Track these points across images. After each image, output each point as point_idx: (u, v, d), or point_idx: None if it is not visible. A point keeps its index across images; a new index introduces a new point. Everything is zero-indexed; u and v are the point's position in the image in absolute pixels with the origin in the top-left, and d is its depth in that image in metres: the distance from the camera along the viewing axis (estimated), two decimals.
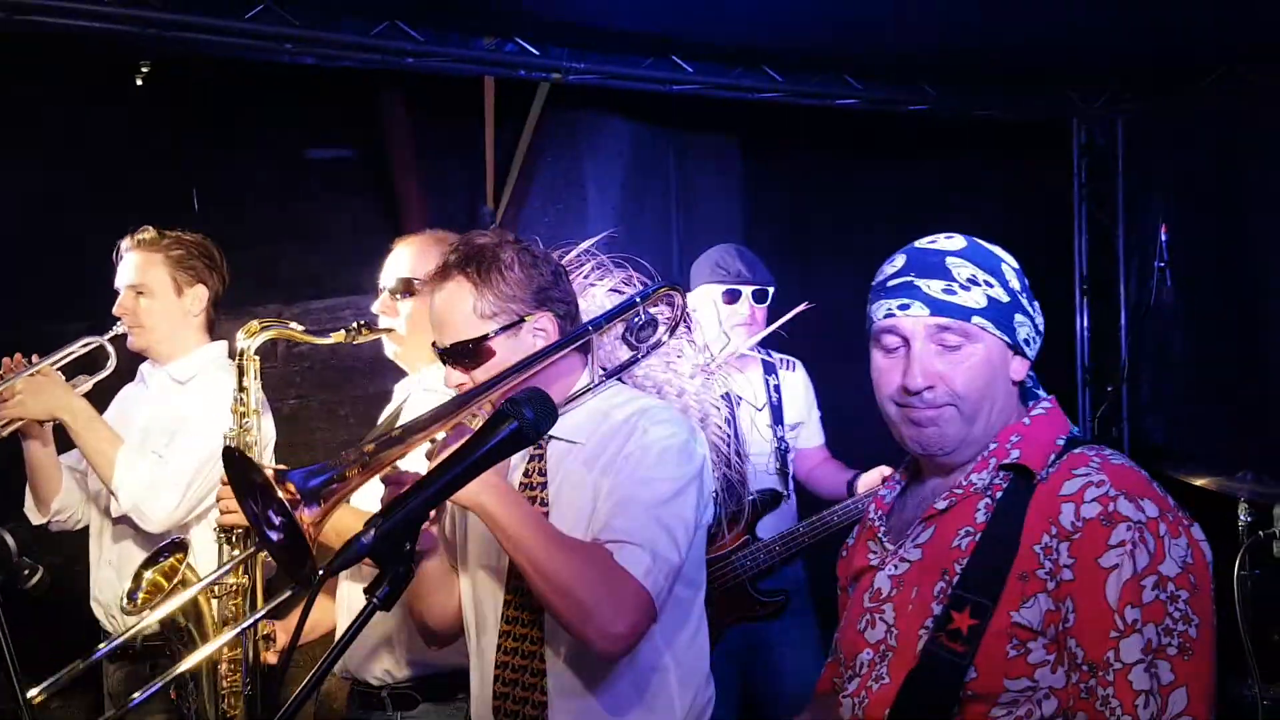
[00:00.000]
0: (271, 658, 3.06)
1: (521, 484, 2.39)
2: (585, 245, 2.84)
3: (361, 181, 5.52)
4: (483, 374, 2.30)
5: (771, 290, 4.11)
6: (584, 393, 2.37)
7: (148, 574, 2.96)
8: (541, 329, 2.35)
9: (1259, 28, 4.80)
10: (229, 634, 2.88)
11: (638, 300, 2.51)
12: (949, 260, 1.91)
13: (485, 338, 2.31)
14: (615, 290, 2.74)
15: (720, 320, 4.05)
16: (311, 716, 3.32)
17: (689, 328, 2.81)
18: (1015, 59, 5.30)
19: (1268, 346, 5.33)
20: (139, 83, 4.85)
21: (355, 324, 3.07)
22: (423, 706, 2.97)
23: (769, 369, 4.14)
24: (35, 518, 3.55)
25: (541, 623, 2.31)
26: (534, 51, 4.87)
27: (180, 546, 3.03)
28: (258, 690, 3.03)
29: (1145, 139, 5.94)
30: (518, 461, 2.40)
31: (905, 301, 1.90)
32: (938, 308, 1.88)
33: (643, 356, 2.54)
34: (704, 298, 4.10)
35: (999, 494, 1.86)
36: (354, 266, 3.32)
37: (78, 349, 3.48)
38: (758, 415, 4.06)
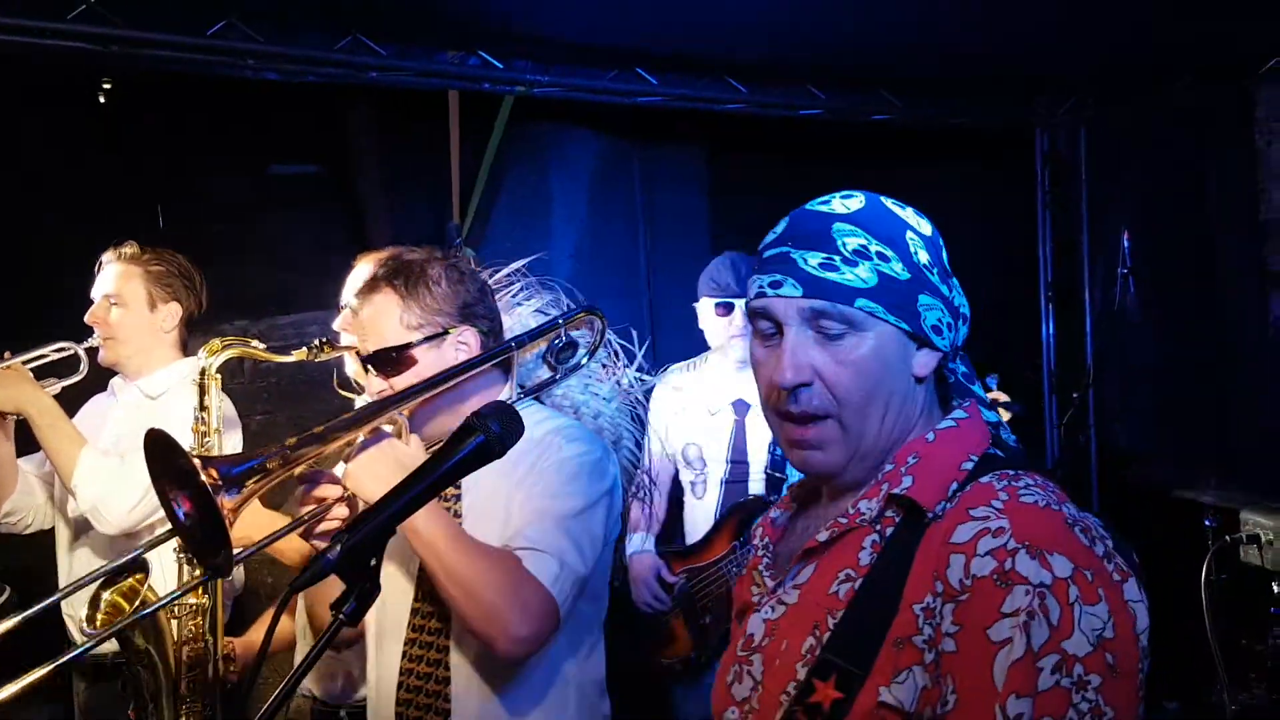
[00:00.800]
0: (233, 677, 3.04)
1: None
2: (514, 266, 2.91)
3: (327, 197, 5.51)
4: (402, 382, 2.37)
5: None
6: None
7: (106, 595, 2.93)
8: (464, 342, 2.42)
9: (1219, 36, 4.86)
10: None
11: (560, 322, 2.59)
12: (836, 226, 1.52)
13: (408, 346, 2.38)
14: (541, 311, 2.83)
15: (719, 331, 4.12)
16: None
17: (610, 352, 2.88)
18: (977, 67, 5.36)
19: (1232, 350, 5.39)
20: (102, 100, 4.82)
21: (317, 341, 3.07)
22: None
23: None
24: None
25: (449, 630, 2.36)
26: (498, 65, 4.88)
27: (140, 566, 3.01)
28: (218, 711, 3.02)
29: (1108, 146, 6.01)
30: None
31: (778, 278, 1.53)
32: (813, 287, 1.50)
33: (561, 378, 2.62)
34: (704, 310, 4.15)
35: (889, 530, 1.49)
36: (320, 282, 3.32)
37: (50, 352, 3.53)
38: (760, 421, 4.08)
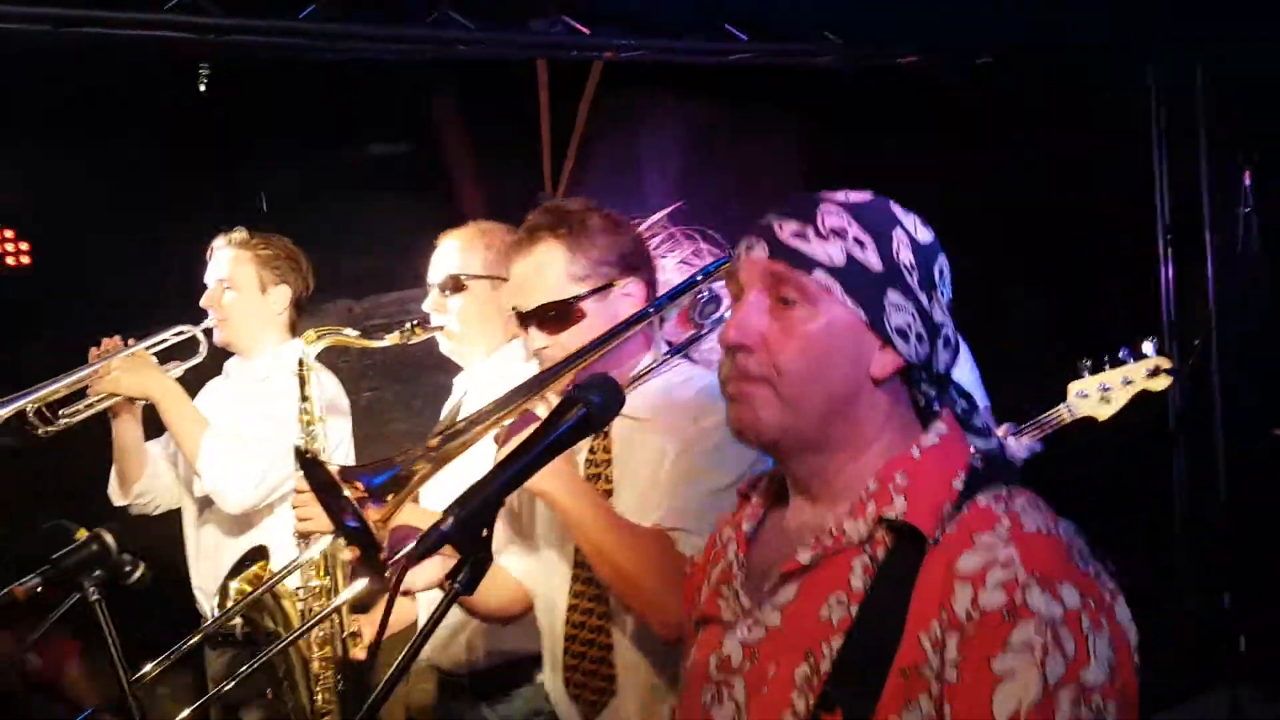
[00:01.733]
0: (360, 653, 3.10)
1: (587, 460, 2.40)
2: (657, 217, 2.84)
3: (422, 174, 5.56)
4: (570, 338, 2.30)
5: None
6: (649, 371, 2.35)
7: (234, 584, 3.02)
8: (630, 294, 2.36)
9: None
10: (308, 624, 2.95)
11: (699, 278, 2.50)
12: (823, 205, 1.52)
13: (576, 299, 2.30)
14: (684, 263, 2.74)
15: None
16: (403, 706, 3.36)
17: None
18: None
19: None
20: (202, 89, 4.92)
21: (409, 324, 3.09)
22: (513, 692, 2.99)
23: None
24: (117, 499, 3.70)
25: (607, 599, 2.33)
26: (584, 31, 4.83)
27: (261, 554, 3.09)
28: (350, 685, 3.09)
29: (1226, 79, 5.76)
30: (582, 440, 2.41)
31: (752, 241, 1.53)
32: (778, 250, 1.49)
33: (706, 333, 2.53)
34: None
35: (880, 552, 1.43)
36: (420, 259, 3.33)
37: (170, 336, 3.67)
38: None
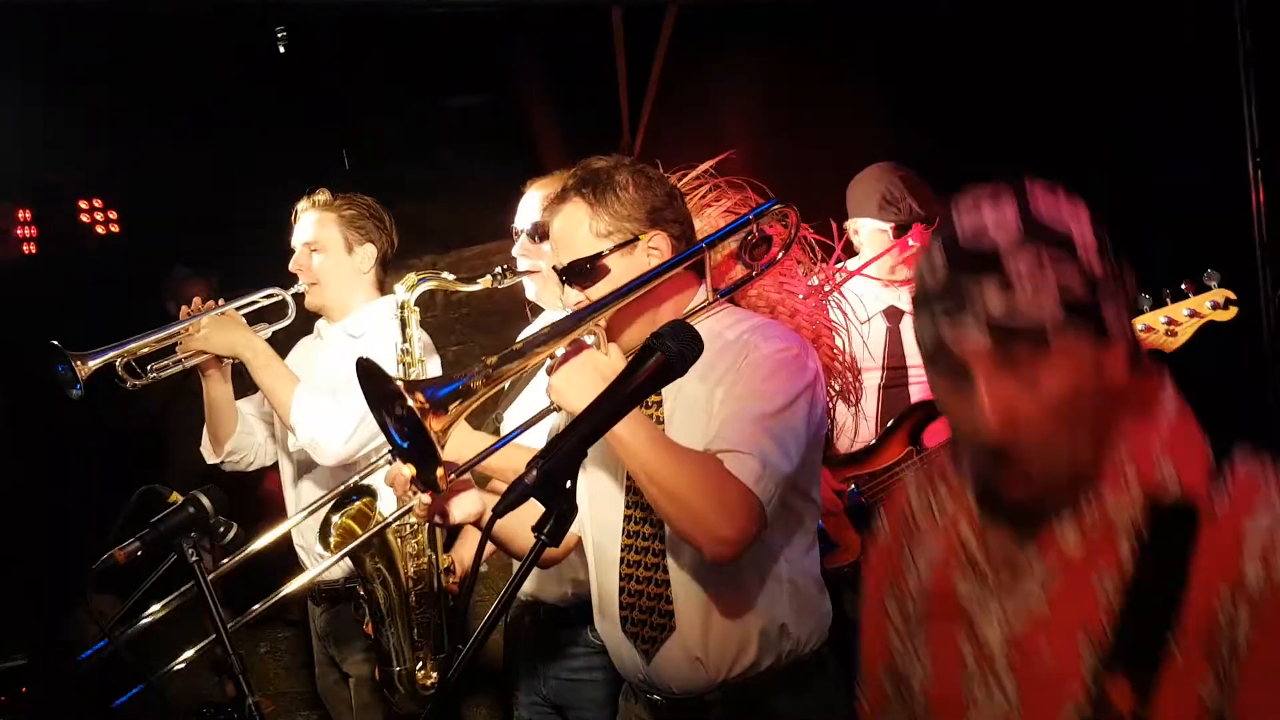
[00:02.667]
0: (453, 587, 3.20)
1: None
2: (703, 167, 2.86)
3: (501, 126, 5.59)
4: (597, 292, 2.38)
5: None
6: (698, 311, 2.41)
7: (336, 518, 3.11)
8: (655, 248, 2.40)
9: None
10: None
11: (751, 218, 2.52)
12: (1003, 248, 1.40)
13: (600, 255, 2.39)
14: (731, 212, 2.76)
15: (894, 254, 3.99)
16: (501, 645, 3.45)
17: (805, 248, 2.80)
18: None
19: None
20: (281, 50, 4.99)
21: (500, 269, 3.16)
22: None
23: None
24: (210, 457, 3.77)
25: (663, 534, 2.38)
26: None
27: (367, 490, 3.17)
28: (444, 621, 3.18)
29: None
30: None
31: (954, 316, 1.43)
32: (995, 329, 1.39)
33: (756, 275, 2.55)
34: (872, 229, 4.02)
35: (1145, 527, 1.42)
36: (500, 211, 3.38)
37: (260, 298, 3.72)
38: None
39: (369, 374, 2.19)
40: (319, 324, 3.81)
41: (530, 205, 3.24)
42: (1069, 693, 1.42)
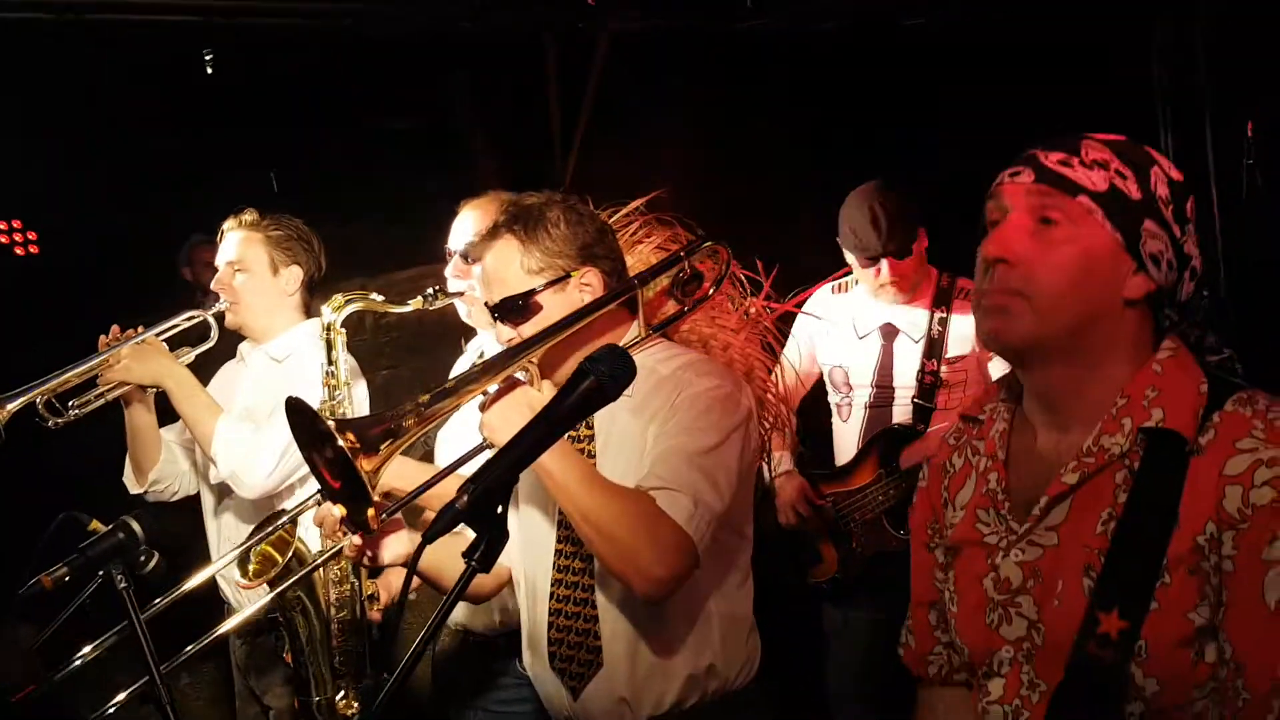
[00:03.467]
0: (376, 616, 3.15)
1: (570, 436, 2.44)
2: (633, 205, 2.88)
3: (433, 150, 5.56)
4: (530, 329, 2.38)
5: (914, 244, 4.00)
6: (631, 347, 2.40)
7: (256, 547, 3.05)
8: (587, 284, 2.41)
9: None
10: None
11: (683, 255, 2.55)
12: (1086, 141, 1.63)
13: (532, 292, 2.39)
14: (662, 248, 2.78)
15: (868, 279, 4.04)
16: (428, 674, 3.41)
17: (735, 283, 2.83)
18: None
19: None
20: (209, 71, 4.93)
21: (431, 290, 3.14)
22: None
23: (941, 299, 4.06)
24: (133, 487, 3.69)
25: (592, 569, 2.38)
26: (590, 3, 4.83)
27: (282, 514, 3.12)
28: (367, 649, 3.14)
29: (1226, 31, 5.71)
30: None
31: (1017, 169, 1.64)
32: (1044, 175, 1.61)
33: (689, 311, 2.57)
34: (849, 257, 4.07)
35: (1137, 464, 1.56)
36: (433, 235, 3.37)
37: (181, 321, 3.64)
38: (913, 346, 4.03)
39: (298, 412, 2.17)
40: (241, 346, 3.75)
41: (463, 226, 3.23)
42: (1076, 618, 1.55)
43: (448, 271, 3.25)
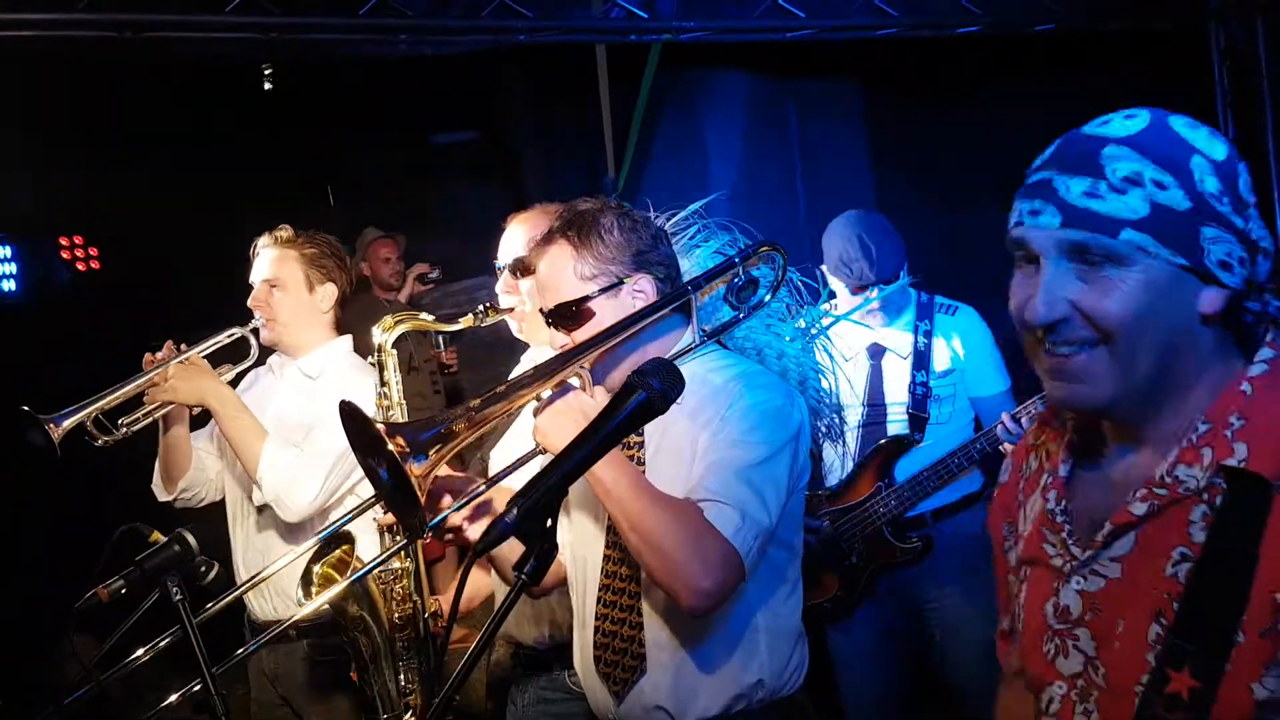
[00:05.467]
0: (441, 633, 3.16)
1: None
2: (691, 209, 2.85)
3: (487, 162, 5.61)
4: (583, 335, 2.36)
5: (902, 269, 3.99)
6: (684, 353, 2.40)
7: (317, 568, 3.06)
8: (640, 290, 2.39)
9: None
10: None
11: (737, 260, 2.52)
12: (1107, 150, 1.39)
13: (585, 299, 2.37)
14: (720, 252, 2.76)
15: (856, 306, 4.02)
16: (484, 685, 3.41)
17: (791, 289, 2.80)
18: None
19: None
20: (268, 88, 5.01)
21: (482, 307, 3.13)
22: None
23: (923, 313, 4.06)
24: (161, 494, 3.69)
25: (639, 577, 2.37)
26: (642, 15, 4.85)
27: (345, 538, 3.13)
28: (433, 666, 3.14)
29: None
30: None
31: (1037, 206, 1.41)
32: (1072, 216, 1.38)
33: (744, 317, 2.55)
34: (835, 284, 4.04)
35: (1218, 499, 1.37)
36: (486, 246, 3.37)
37: (223, 338, 3.63)
38: (901, 363, 4.02)
39: (351, 418, 2.17)
40: (272, 359, 3.75)
41: (512, 240, 3.22)
42: (1142, 666, 1.39)
43: (498, 287, 3.25)
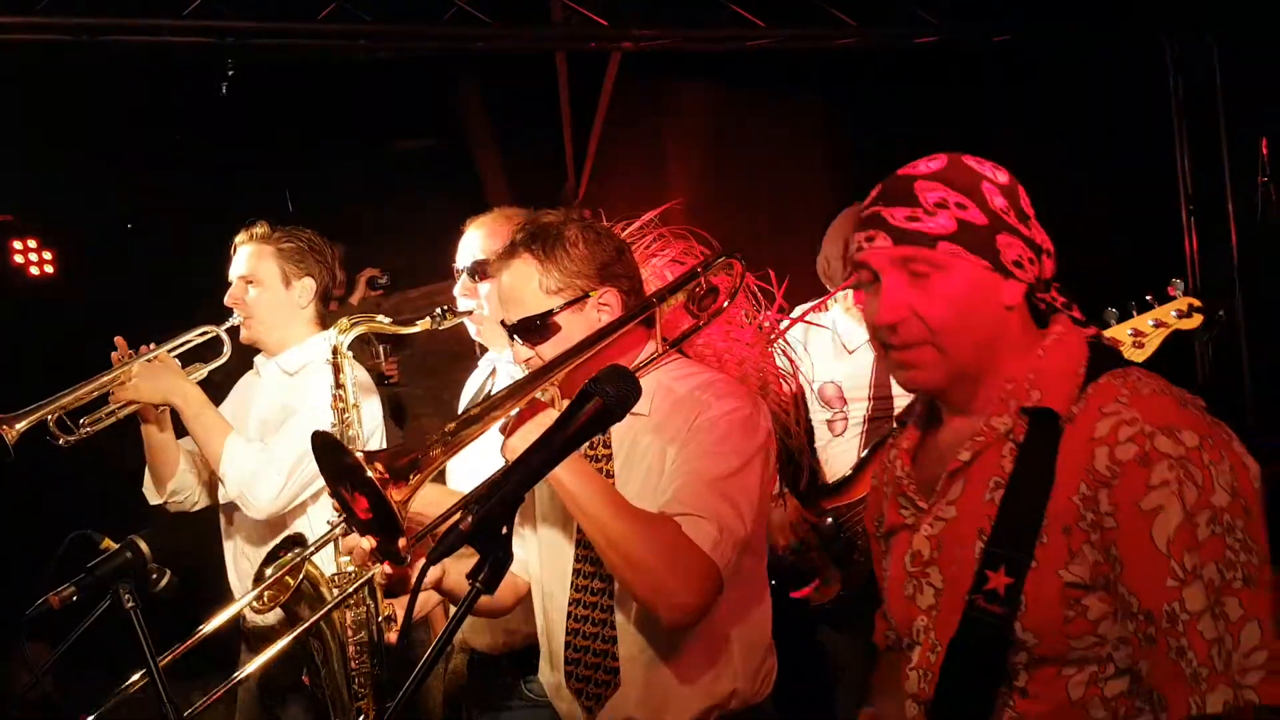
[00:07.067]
0: (393, 638, 3.14)
1: (587, 455, 2.42)
2: (647, 218, 2.86)
3: (446, 169, 5.60)
4: (549, 349, 2.35)
5: None
6: (648, 364, 2.40)
7: (268, 571, 3.04)
8: (606, 304, 2.39)
9: None
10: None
11: (700, 271, 2.52)
12: (918, 184, 1.76)
13: (550, 313, 2.36)
14: (676, 261, 2.76)
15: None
16: (440, 693, 3.40)
17: (750, 296, 2.81)
18: None
19: None
20: (224, 91, 4.97)
21: (439, 310, 3.12)
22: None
23: None
24: (153, 498, 3.65)
25: (611, 590, 2.36)
26: (602, 22, 4.86)
27: (298, 540, 3.11)
28: (385, 671, 3.12)
29: (1241, 48, 5.70)
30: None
31: (872, 233, 1.77)
32: (900, 236, 1.74)
33: (704, 325, 2.55)
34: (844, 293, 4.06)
35: (1022, 438, 1.73)
36: (446, 253, 3.36)
37: (194, 337, 3.59)
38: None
39: (325, 447, 2.16)
40: (257, 360, 3.73)
41: (470, 244, 3.22)
42: (969, 579, 1.71)
43: (456, 290, 3.24)
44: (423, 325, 3.11)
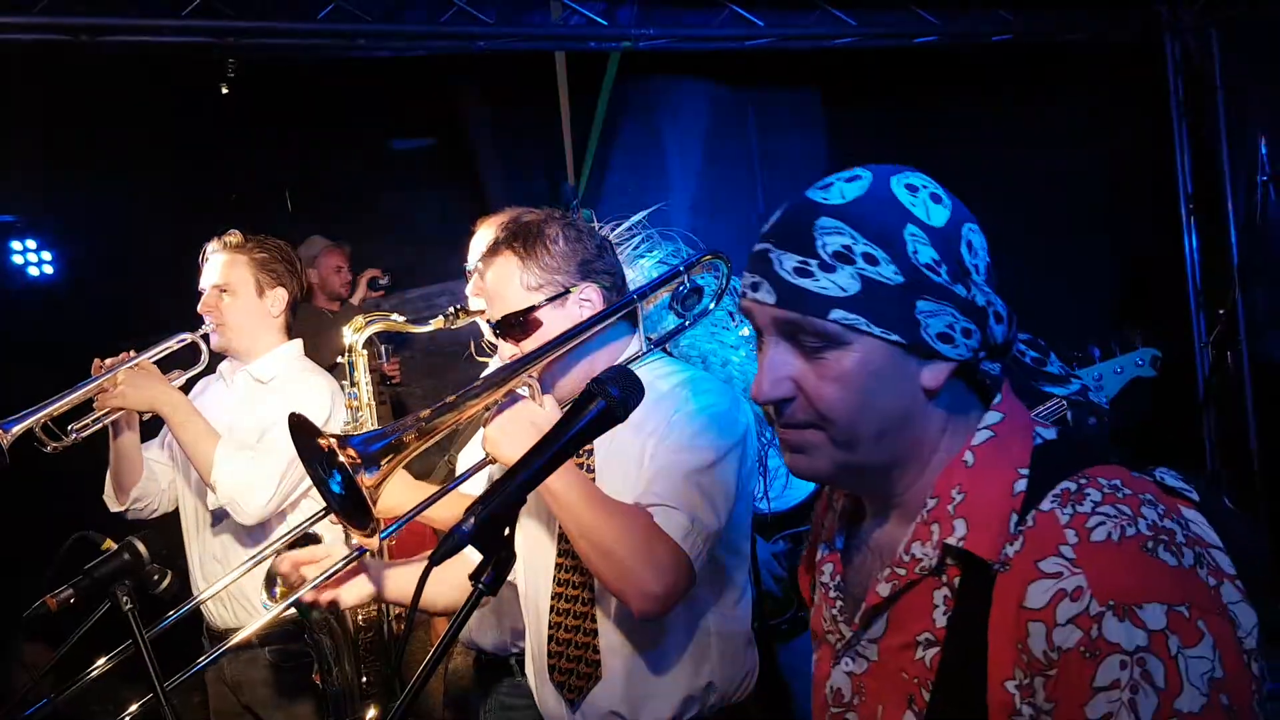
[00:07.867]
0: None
1: None
2: (634, 219, 2.87)
3: (446, 168, 5.60)
4: (531, 345, 2.37)
5: None
6: (631, 361, 2.41)
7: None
8: (587, 300, 2.41)
9: None
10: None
11: (682, 269, 2.54)
12: (820, 222, 1.33)
13: (532, 309, 2.39)
14: (664, 262, 2.78)
15: None
16: (441, 693, 3.40)
17: (735, 297, 2.82)
18: None
19: None
20: (225, 91, 4.98)
21: (452, 309, 3.13)
22: None
23: None
24: (114, 505, 3.64)
25: (592, 584, 2.38)
26: (602, 22, 4.86)
27: (313, 539, 3.11)
28: (397, 669, 3.12)
29: (1242, 49, 5.71)
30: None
31: (757, 279, 1.36)
32: (785, 295, 1.33)
33: (689, 325, 2.57)
34: None
35: (956, 580, 1.33)
36: (445, 253, 3.37)
37: (173, 344, 3.58)
38: None
39: (300, 429, 2.18)
40: (222, 366, 3.71)
41: (480, 243, 3.23)
42: None
43: (468, 290, 3.25)
44: (436, 324, 3.13)
